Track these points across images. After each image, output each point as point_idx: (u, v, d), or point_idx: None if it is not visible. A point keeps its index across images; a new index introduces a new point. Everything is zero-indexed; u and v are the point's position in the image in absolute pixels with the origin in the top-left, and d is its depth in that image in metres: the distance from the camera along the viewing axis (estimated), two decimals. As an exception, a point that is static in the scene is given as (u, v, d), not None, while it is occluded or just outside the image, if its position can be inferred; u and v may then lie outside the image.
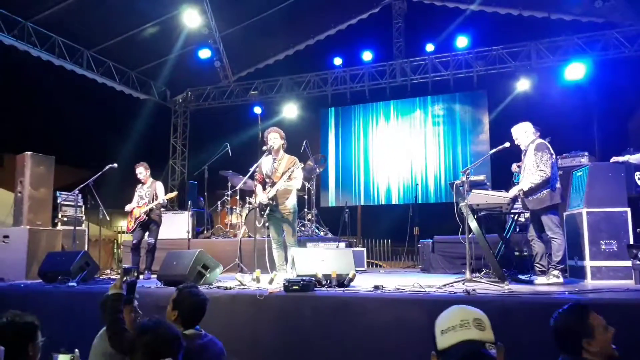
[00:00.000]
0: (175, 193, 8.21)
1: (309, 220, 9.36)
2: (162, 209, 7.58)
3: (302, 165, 5.99)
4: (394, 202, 12.53)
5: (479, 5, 11.02)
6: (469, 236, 5.28)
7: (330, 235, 9.45)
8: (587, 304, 2.47)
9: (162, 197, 7.18)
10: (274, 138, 5.87)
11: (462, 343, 1.51)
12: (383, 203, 12.67)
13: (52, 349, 2.93)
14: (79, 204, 8.12)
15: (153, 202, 7.12)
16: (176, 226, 8.89)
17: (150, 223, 7.16)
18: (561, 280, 5.03)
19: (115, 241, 12.08)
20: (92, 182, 7.41)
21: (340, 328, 4.19)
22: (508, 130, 5.58)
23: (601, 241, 5.30)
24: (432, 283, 4.93)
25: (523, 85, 10.71)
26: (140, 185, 7.37)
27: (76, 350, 2.68)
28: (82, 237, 8.18)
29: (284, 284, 4.58)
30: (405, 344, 3.98)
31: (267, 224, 5.92)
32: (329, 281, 4.83)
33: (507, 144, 5.50)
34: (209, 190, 10.11)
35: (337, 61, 12.32)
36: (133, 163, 7.50)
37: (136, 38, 10.70)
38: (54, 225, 8.09)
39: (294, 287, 4.48)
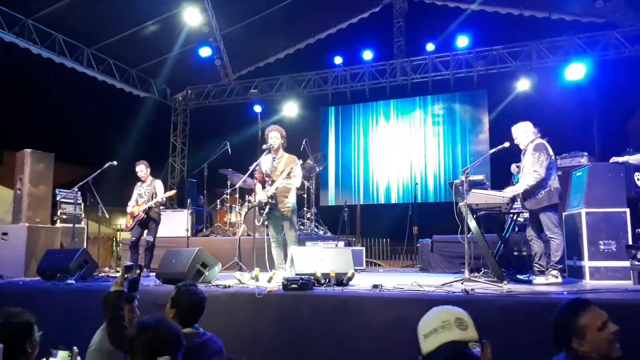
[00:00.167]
0: (174, 191, 8.21)
1: (308, 219, 9.36)
2: (161, 207, 7.58)
3: (302, 162, 5.98)
4: (393, 202, 12.53)
5: (479, 4, 11.02)
6: (468, 236, 5.28)
7: (329, 234, 9.45)
8: (589, 301, 2.45)
9: (161, 196, 7.18)
10: (275, 137, 5.87)
11: (445, 345, 1.48)
12: (382, 202, 12.67)
13: (51, 346, 2.94)
14: (78, 202, 8.12)
15: (152, 200, 7.12)
16: (175, 224, 8.88)
17: (149, 221, 7.16)
18: (560, 280, 5.02)
19: (114, 239, 12.08)
20: (92, 180, 7.41)
21: (338, 327, 4.19)
22: (508, 130, 5.58)
23: (600, 241, 5.30)
24: (431, 282, 4.93)
25: (523, 85, 10.71)
26: (140, 183, 7.37)
27: (74, 347, 2.67)
28: (81, 235, 8.18)
29: (282, 282, 4.58)
30: (403, 343, 3.97)
31: (266, 223, 5.92)
32: (327, 280, 4.83)
33: (507, 144, 5.50)
34: (209, 189, 10.12)
35: (338, 60, 12.32)
36: (133, 161, 7.50)
37: (137, 36, 10.70)
38: (53, 222, 8.09)
39: (293, 285, 4.48)
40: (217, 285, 5.00)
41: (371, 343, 4.05)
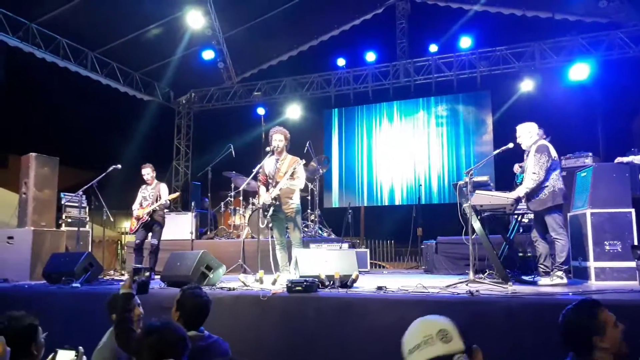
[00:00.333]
0: (178, 194, 8.23)
1: (312, 221, 9.36)
2: (166, 210, 7.60)
3: (304, 162, 5.98)
4: (397, 203, 12.52)
5: (482, 5, 11.01)
6: (473, 237, 5.27)
7: (333, 236, 9.44)
8: (598, 300, 2.45)
9: (165, 198, 7.20)
10: (278, 139, 5.87)
11: None
12: (386, 204, 12.66)
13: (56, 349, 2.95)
14: (83, 205, 8.14)
15: (156, 203, 7.14)
16: (179, 227, 8.91)
17: (153, 224, 7.18)
18: (565, 281, 5.00)
19: (119, 242, 12.11)
20: (96, 183, 7.44)
21: (343, 329, 4.19)
22: (512, 131, 5.57)
23: (605, 242, 5.28)
24: (436, 284, 4.91)
25: (527, 85, 10.68)
26: (144, 186, 7.39)
27: (80, 347, 2.68)
28: (86, 238, 8.20)
29: (287, 284, 4.58)
30: (408, 345, 3.96)
31: (270, 225, 5.92)
32: (332, 282, 4.83)
33: (511, 145, 5.49)
34: (213, 191, 10.14)
35: (341, 62, 12.33)
36: (137, 164, 7.52)
37: (140, 39, 10.73)
38: (58, 226, 8.11)
39: (297, 288, 4.48)
40: (221, 288, 4.99)
41: (375, 345, 4.04)
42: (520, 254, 6.48)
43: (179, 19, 10.43)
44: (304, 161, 5.95)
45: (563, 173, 5.74)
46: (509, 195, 5.23)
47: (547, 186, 5.11)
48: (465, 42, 11.25)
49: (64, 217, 8.29)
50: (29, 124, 12.28)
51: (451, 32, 11.39)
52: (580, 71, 10.02)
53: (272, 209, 5.71)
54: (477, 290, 4.26)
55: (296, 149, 6.47)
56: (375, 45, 12.22)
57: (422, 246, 8.89)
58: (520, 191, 5.19)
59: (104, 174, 7.46)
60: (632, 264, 5.00)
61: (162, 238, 7.35)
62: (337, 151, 13.36)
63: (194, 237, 8.60)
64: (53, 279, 6.08)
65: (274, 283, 5.20)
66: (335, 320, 4.23)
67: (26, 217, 7.47)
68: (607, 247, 5.26)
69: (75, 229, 7.73)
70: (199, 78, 13.02)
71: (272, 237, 6.07)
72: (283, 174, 5.74)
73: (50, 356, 2.62)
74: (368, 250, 9.20)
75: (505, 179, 7.50)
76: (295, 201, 5.85)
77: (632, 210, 5.32)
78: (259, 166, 6.06)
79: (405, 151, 12.56)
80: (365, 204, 12.84)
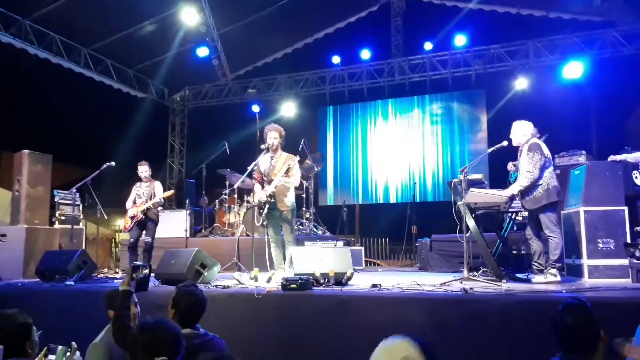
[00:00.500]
0: (172, 191, 8.20)
1: (307, 219, 9.35)
2: (160, 208, 7.57)
3: (299, 159, 5.97)
4: (392, 201, 12.53)
5: (477, 3, 11.04)
6: (467, 235, 5.29)
7: (328, 234, 9.45)
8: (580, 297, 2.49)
9: (160, 197, 7.17)
10: (273, 136, 5.86)
11: None
12: (381, 202, 12.67)
13: (50, 348, 2.94)
14: (76, 203, 8.11)
15: (150, 201, 7.11)
16: (174, 225, 8.88)
17: (147, 222, 7.15)
18: (558, 278, 5.03)
19: (113, 240, 12.06)
20: (90, 181, 7.39)
21: (338, 327, 4.19)
22: (506, 128, 5.58)
23: (598, 240, 5.32)
24: (430, 282, 4.93)
25: (521, 83, 10.71)
26: (139, 183, 7.35)
27: (73, 343, 2.68)
28: (80, 236, 8.16)
29: (282, 282, 4.58)
30: (403, 342, 3.97)
31: (265, 223, 5.91)
32: (326, 280, 4.83)
33: (505, 143, 5.51)
34: (207, 189, 10.10)
35: (336, 59, 12.32)
36: (131, 162, 7.48)
37: (134, 36, 10.68)
38: (52, 223, 8.06)
39: (292, 285, 4.48)
40: (216, 286, 4.99)
41: (370, 342, 4.02)
42: (514, 252, 6.51)
43: (173, 16, 10.39)
44: (298, 158, 5.94)
45: (557, 171, 5.77)
46: (503, 193, 5.24)
47: (541, 184, 5.13)
48: (460, 40, 11.27)
49: (57, 215, 8.24)
50: (22, 121, 12.16)
51: (446, 30, 11.41)
52: (574, 69, 10.06)
53: (267, 206, 5.70)
54: (471, 288, 4.28)
55: (291, 146, 6.47)
56: (370, 43, 12.22)
57: (417, 244, 8.92)
58: (514, 188, 5.21)
59: (97, 172, 7.41)
60: (625, 261, 5.04)
61: (157, 236, 7.32)
62: (332, 149, 13.35)
63: (188, 235, 8.58)
64: (46, 276, 6.06)
65: (268, 281, 5.21)
66: (330, 318, 4.24)
67: (19, 215, 7.42)
68: (600, 245, 5.30)
69: (69, 226, 7.68)
70: (193, 75, 12.98)
71: (266, 234, 6.06)
72: (278, 171, 5.73)
73: (43, 351, 2.62)
74: (363, 248, 9.21)
75: (499, 177, 7.51)
76: (290, 199, 5.85)
77: (625, 208, 5.36)
78: (253, 164, 6.05)
79: (400, 149, 12.56)
80: (360, 202, 12.84)
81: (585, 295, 4.04)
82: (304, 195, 9.28)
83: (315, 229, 9.38)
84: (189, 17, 10.31)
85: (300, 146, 9.18)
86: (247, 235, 8.11)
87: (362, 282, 5.16)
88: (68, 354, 2.62)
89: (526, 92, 10.65)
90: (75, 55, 10.77)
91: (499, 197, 5.24)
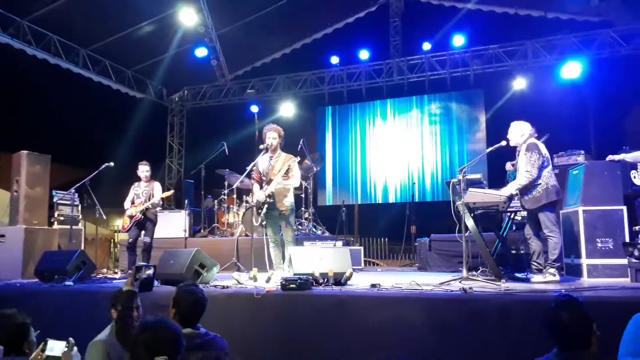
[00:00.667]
0: (171, 192, 8.19)
1: (306, 219, 9.35)
2: (159, 208, 7.56)
3: (299, 160, 5.97)
4: (391, 201, 12.54)
5: (475, 4, 11.06)
6: (466, 234, 5.29)
7: (327, 234, 9.45)
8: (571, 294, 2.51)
9: (158, 197, 7.16)
10: (272, 136, 5.86)
11: None
12: (380, 202, 12.68)
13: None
14: (75, 203, 8.10)
15: (149, 201, 7.10)
16: (173, 225, 8.87)
17: (146, 222, 7.14)
18: (558, 278, 5.04)
19: (112, 240, 12.04)
20: (89, 181, 7.38)
21: (337, 326, 4.20)
22: (504, 129, 5.59)
23: (597, 239, 5.33)
24: (429, 281, 4.94)
25: (519, 84, 10.73)
26: (137, 183, 7.34)
27: (70, 338, 2.68)
28: (79, 236, 8.15)
29: (281, 282, 4.58)
30: (401, 341, 3.99)
31: (264, 223, 5.91)
32: (326, 280, 4.83)
33: (504, 143, 5.51)
34: (206, 189, 10.09)
35: (334, 60, 12.32)
36: (129, 162, 7.48)
37: (132, 37, 10.67)
38: (50, 224, 8.06)
39: (291, 285, 4.49)
40: (215, 286, 4.99)
41: (370, 342, 4.05)
42: (513, 252, 6.53)
43: (171, 16, 10.38)
44: (299, 159, 5.94)
45: (555, 171, 5.77)
46: (502, 193, 5.25)
47: (540, 184, 5.14)
48: (459, 40, 11.29)
49: (56, 215, 8.24)
50: (20, 121, 12.14)
51: (444, 30, 11.42)
52: (572, 69, 10.08)
53: (266, 206, 5.70)
54: (470, 288, 4.29)
55: (290, 146, 6.46)
56: (369, 43, 12.23)
57: (416, 244, 8.92)
58: (512, 187, 5.22)
59: (96, 172, 7.40)
60: (624, 261, 5.05)
61: (155, 236, 7.31)
62: (330, 149, 13.36)
63: (187, 235, 8.58)
64: (45, 277, 6.05)
65: (268, 281, 5.21)
66: (329, 318, 4.25)
67: (18, 215, 7.42)
68: (599, 245, 5.31)
69: (68, 227, 7.68)
70: (192, 75, 12.97)
71: (265, 235, 6.06)
72: (277, 171, 5.73)
73: (40, 346, 2.63)
74: (362, 248, 9.22)
75: (498, 177, 7.53)
76: (289, 200, 5.85)
77: (624, 208, 5.37)
78: (252, 164, 6.05)
79: (399, 149, 12.57)
80: (359, 202, 12.85)
81: (584, 295, 4.06)
82: (303, 195, 9.29)
83: (314, 229, 9.38)
84: (188, 18, 10.30)
85: (299, 146, 9.18)
86: (246, 235, 8.11)
87: (361, 282, 5.16)
88: (65, 349, 2.62)
89: (524, 92, 10.67)
90: (74, 55, 10.76)
91: (498, 196, 5.25)
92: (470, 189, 5.41)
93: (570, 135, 9.06)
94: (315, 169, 9.69)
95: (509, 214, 6.32)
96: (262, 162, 5.94)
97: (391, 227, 11.12)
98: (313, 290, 4.58)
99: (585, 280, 5.22)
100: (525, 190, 5.19)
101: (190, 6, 10.19)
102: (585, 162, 6.19)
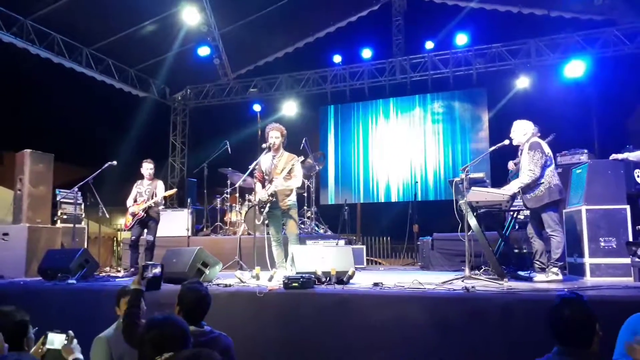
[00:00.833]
0: (174, 190, 8.20)
1: (308, 218, 9.36)
2: (161, 207, 7.57)
3: (302, 160, 5.97)
4: (393, 200, 12.53)
5: (478, 2, 11.05)
6: (469, 233, 5.29)
7: (329, 232, 9.45)
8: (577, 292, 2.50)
9: (161, 196, 7.17)
10: (275, 135, 5.85)
11: None
12: (382, 201, 12.67)
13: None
14: (78, 202, 8.11)
15: (152, 199, 7.12)
16: (176, 224, 8.88)
17: (149, 220, 7.15)
18: (560, 277, 5.03)
19: (115, 239, 12.07)
20: (92, 180, 7.40)
21: (339, 325, 4.20)
22: (507, 127, 5.58)
23: (600, 238, 5.31)
24: (432, 280, 4.93)
25: (522, 82, 10.70)
26: (140, 181, 7.35)
27: (70, 331, 2.70)
28: (82, 235, 8.17)
29: (283, 281, 4.59)
30: (404, 340, 3.99)
31: (266, 222, 5.91)
32: (328, 278, 4.83)
33: (507, 142, 5.51)
34: (208, 188, 10.09)
35: (337, 59, 12.32)
36: (132, 161, 7.49)
37: (135, 36, 10.68)
38: (54, 222, 8.08)
39: (294, 284, 4.49)
40: (217, 285, 5.00)
41: (372, 341, 4.05)
42: (516, 251, 6.52)
43: (174, 15, 10.39)
44: (302, 158, 5.94)
45: (558, 170, 5.76)
46: (504, 192, 5.24)
47: (542, 183, 5.13)
48: (461, 39, 11.27)
49: (59, 214, 8.26)
50: (24, 120, 12.21)
51: (447, 29, 11.40)
52: (575, 68, 10.05)
53: (268, 205, 5.71)
54: (473, 287, 4.29)
55: (292, 145, 6.47)
56: (371, 42, 12.22)
57: (418, 243, 8.92)
58: (515, 186, 5.20)
59: (99, 171, 7.41)
60: (627, 260, 5.03)
61: (158, 235, 7.33)
62: (333, 148, 13.36)
63: (190, 234, 8.59)
64: (49, 275, 6.07)
65: (270, 279, 5.21)
66: (331, 317, 4.25)
67: (21, 214, 7.44)
68: (602, 244, 5.30)
69: (71, 225, 7.69)
70: (194, 74, 12.98)
71: (268, 233, 6.07)
72: (280, 170, 5.73)
73: (41, 339, 2.64)
74: (364, 247, 9.21)
75: (501, 176, 7.50)
76: (291, 199, 5.85)
77: (627, 207, 5.35)
78: (255, 162, 6.06)
79: (402, 148, 12.56)
80: (362, 201, 12.84)
81: (587, 294, 4.05)
82: (305, 194, 9.29)
83: (316, 228, 9.38)
84: (190, 17, 10.31)
85: (302, 145, 9.18)
86: (249, 234, 8.11)
87: (363, 280, 5.16)
88: (65, 342, 2.64)
89: (528, 91, 10.64)
90: (77, 55, 10.77)
91: (501, 195, 5.24)
92: (473, 188, 5.41)
93: (574, 134, 9.03)
94: (317, 168, 9.69)
95: (511, 213, 6.30)
96: (264, 161, 5.94)
97: (394, 226, 11.11)
98: (315, 289, 4.58)
99: (588, 280, 5.20)
100: (527, 189, 5.18)
101: (193, 5, 10.20)
102: (588, 161, 6.18)
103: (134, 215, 7.13)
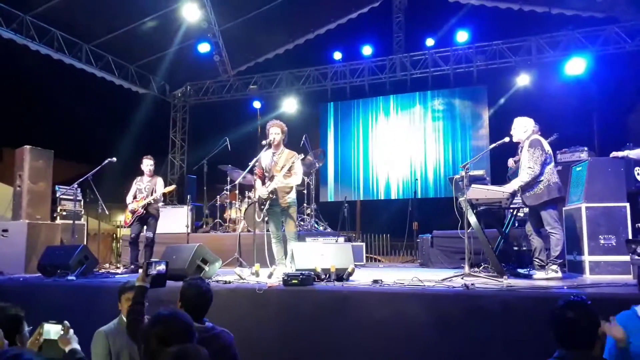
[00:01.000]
0: (174, 187, 8.19)
1: (308, 215, 9.36)
2: (161, 204, 7.56)
3: (302, 157, 5.96)
4: (393, 197, 12.53)
5: (479, -1, 11.02)
6: (468, 231, 5.28)
7: (329, 230, 9.46)
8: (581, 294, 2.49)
9: (160, 192, 7.16)
10: (275, 132, 5.85)
11: None
12: (382, 198, 12.67)
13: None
14: (78, 198, 8.11)
15: (151, 196, 7.11)
16: (175, 220, 8.88)
17: (148, 217, 7.14)
18: (560, 274, 5.03)
19: (114, 235, 12.08)
20: (91, 176, 7.39)
21: (339, 322, 4.20)
22: (508, 125, 5.57)
23: (600, 236, 5.30)
24: (431, 277, 4.94)
25: (523, 80, 10.68)
26: (140, 177, 7.33)
27: (65, 321, 2.71)
28: (81, 231, 8.17)
29: (283, 278, 4.59)
30: (403, 337, 3.99)
31: (266, 219, 5.91)
32: (328, 275, 4.84)
33: (507, 139, 5.50)
34: (208, 185, 10.09)
35: (337, 55, 12.31)
36: (132, 157, 7.48)
37: (135, 32, 10.67)
38: (53, 219, 8.08)
39: (293, 281, 4.49)
40: (217, 281, 5.00)
41: (371, 338, 4.06)
42: (516, 248, 6.51)
43: (174, 12, 10.37)
44: (302, 156, 5.93)
45: (558, 167, 5.75)
46: (504, 189, 5.24)
47: (542, 180, 5.12)
48: (462, 36, 11.25)
49: (59, 210, 8.26)
50: (23, 116, 12.19)
51: (448, 26, 11.40)
52: (576, 66, 10.02)
53: (268, 202, 5.71)
54: (472, 284, 4.29)
55: (292, 142, 6.46)
56: (372, 39, 12.21)
57: (418, 240, 8.92)
58: (515, 184, 5.20)
59: (99, 167, 7.41)
60: (626, 257, 5.01)
61: (158, 231, 7.32)
62: (333, 145, 13.35)
63: (189, 231, 8.58)
64: (48, 271, 6.07)
65: (270, 276, 5.21)
66: (331, 314, 4.25)
67: (21, 210, 7.44)
68: (602, 241, 5.29)
69: (71, 222, 7.69)
70: (194, 71, 12.96)
71: (267, 230, 6.07)
72: (280, 168, 5.72)
73: (38, 330, 2.64)
74: (364, 244, 9.21)
75: (501, 174, 7.49)
76: (291, 196, 5.84)
77: (627, 205, 5.35)
78: (255, 159, 6.05)
79: (402, 145, 12.55)
80: (362, 198, 12.84)
81: (586, 292, 4.05)
82: (305, 191, 9.28)
83: (316, 225, 9.38)
84: (190, 13, 10.29)
85: (302, 142, 9.17)
86: (249, 230, 8.11)
87: (363, 277, 5.16)
88: (61, 332, 2.64)
89: (528, 88, 10.63)
90: (77, 51, 10.76)
91: (501, 193, 5.24)
92: (473, 185, 5.40)
93: (574, 132, 9.00)
94: (317, 165, 9.68)
95: (511, 210, 6.30)
96: (265, 157, 5.93)
97: (393, 224, 11.10)
98: (315, 286, 4.58)
99: (588, 277, 5.20)
100: (526, 186, 5.17)
101: (194, 1, 10.17)
102: (588, 159, 6.16)
103: (133, 212, 7.13)
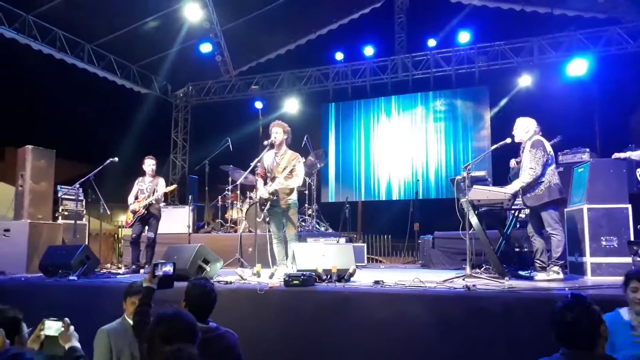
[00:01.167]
0: (175, 186, 8.20)
1: (309, 215, 9.36)
2: (162, 204, 7.57)
3: (304, 160, 5.97)
4: (394, 198, 12.52)
5: (481, 0, 11.00)
6: (470, 232, 5.28)
7: (330, 230, 9.45)
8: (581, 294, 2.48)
9: (161, 192, 7.17)
10: (277, 132, 5.86)
11: None
12: (384, 199, 12.67)
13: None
14: (79, 198, 8.12)
15: (152, 196, 7.12)
16: (177, 221, 8.88)
17: (149, 217, 7.15)
18: (561, 276, 5.02)
19: (116, 235, 12.09)
20: (93, 176, 7.40)
21: (340, 323, 4.20)
22: (509, 126, 5.56)
23: (602, 237, 5.30)
24: (432, 278, 4.93)
25: (525, 81, 10.67)
26: (142, 178, 7.35)
27: (66, 318, 2.71)
28: (83, 231, 8.18)
29: (284, 278, 4.59)
30: (405, 338, 3.99)
31: (267, 219, 5.92)
32: (329, 276, 4.84)
33: (509, 140, 5.49)
34: (210, 185, 10.10)
35: (339, 56, 12.31)
36: (134, 157, 7.49)
37: (137, 32, 10.68)
38: (55, 219, 8.08)
39: (294, 281, 4.49)
40: (218, 282, 5.00)
41: (372, 338, 4.05)
42: (517, 249, 6.50)
43: (176, 12, 10.38)
44: (304, 159, 5.93)
45: (560, 168, 5.74)
46: (506, 190, 5.23)
47: (543, 181, 5.11)
48: (464, 37, 11.24)
49: (60, 210, 8.26)
50: (25, 116, 12.22)
51: (450, 27, 11.39)
52: (578, 66, 10.02)
53: (269, 203, 5.71)
54: (473, 285, 4.28)
55: (294, 143, 6.45)
56: (374, 40, 12.20)
57: (419, 241, 8.91)
58: (516, 185, 5.19)
59: (100, 167, 7.42)
60: (628, 259, 5.02)
61: (159, 232, 7.33)
62: (334, 145, 13.34)
63: (191, 231, 8.59)
64: (50, 271, 6.08)
65: (271, 277, 5.21)
66: (332, 314, 4.25)
67: (23, 210, 7.44)
68: (604, 243, 5.28)
69: (72, 221, 7.70)
70: (196, 71, 12.97)
71: (269, 231, 6.07)
72: (282, 169, 5.73)
73: (39, 326, 2.65)
74: (365, 245, 9.20)
75: (503, 174, 7.50)
76: (292, 197, 5.85)
77: (629, 206, 5.34)
78: (257, 159, 6.05)
79: (403, 146, 12.55)
80: (363, 199, 12.84)
81: (588, 293, 4.04)
82: (306, 192, 9.28)
83: (317, 226, 9.38)
84: (193, 13, 10.30)
85: (303, 142, 9.18)
86: (250, 231, 8.12)
87: (364, 278, 5.16)
88: (62, 329, 2.65)
89: (530, 89, 10.62)
90: (79, 51, 10.77)
91: (502, 194, 5.23)
92: (474, 186, 5.40)
93: (576, 133, 8.99)
94: (319, 166, 9.68)
95: (513, 211, 6.29)
96: (267, 158, 5.94)
97: (395, 224, 11.10)
98: (316, 286, 4.58)
99: (589, 279, 5.19)
100: (527, 187, 5.16)
101: (195, 1, 10.18)
102: (590, 160, 6.15)
103: (134, 212, 7.14)
